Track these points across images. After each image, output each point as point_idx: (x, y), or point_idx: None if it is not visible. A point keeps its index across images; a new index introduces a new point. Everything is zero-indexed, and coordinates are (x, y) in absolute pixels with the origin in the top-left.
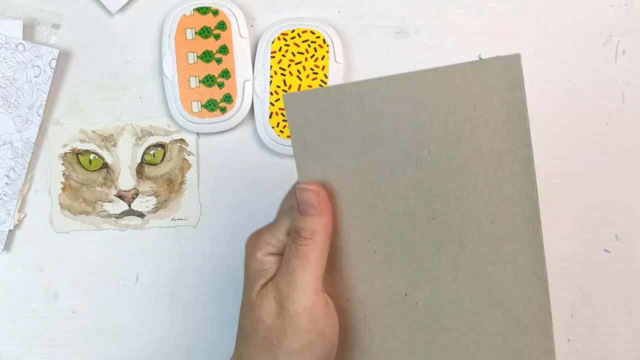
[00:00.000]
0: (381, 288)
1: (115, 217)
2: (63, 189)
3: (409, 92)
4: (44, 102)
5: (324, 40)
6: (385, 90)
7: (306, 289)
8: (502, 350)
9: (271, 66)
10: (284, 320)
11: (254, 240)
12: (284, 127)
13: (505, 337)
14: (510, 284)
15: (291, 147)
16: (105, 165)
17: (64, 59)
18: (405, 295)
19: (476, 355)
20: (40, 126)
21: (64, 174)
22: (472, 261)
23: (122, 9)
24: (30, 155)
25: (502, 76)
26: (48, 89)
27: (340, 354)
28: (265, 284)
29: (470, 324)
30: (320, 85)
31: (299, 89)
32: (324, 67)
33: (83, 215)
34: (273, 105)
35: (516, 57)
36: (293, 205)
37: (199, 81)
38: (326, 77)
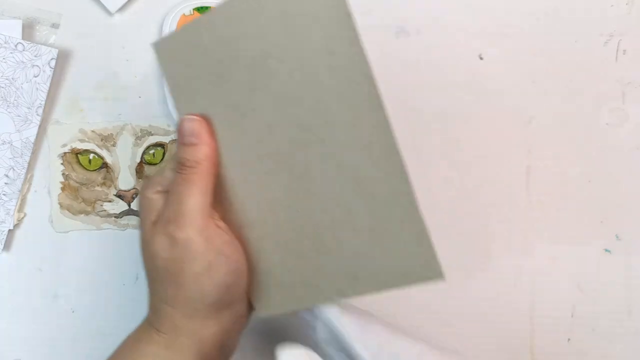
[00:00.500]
0: (264, 206)
1: (115, 217)
2: (63, 189)
3: (254, 10)
4: (44, 102)
5: None
6: (234, 13)
7: (193, 212)
8: (378, 233)
9: None
10: (177, 248)
11: (145, 182)
12: None
13: (378, 219)
14: (369, 164)
15: None
16: (104, 165)
17: (63, 58)
18: (288, 207)
19: (358, 245)
20: (39, 126)
21: (63, 174)
22: (333, 153)
23: (122, 8)
24: (29, 155)
25: None
26: (47, 88)
27: (249, 283)
28: (155, 221)
29: (345, 216)
30: None
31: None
32: None
33: (83, 215)
34: None
35: None
36: (177, 139)
37: None
38: None
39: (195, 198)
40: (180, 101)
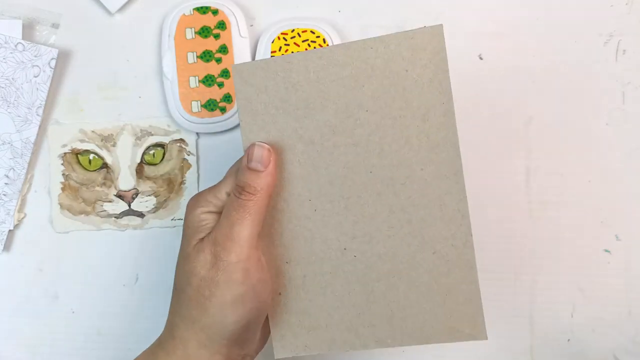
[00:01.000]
0: (321, 246)
1: (115, 217)
2: (63, 189)
3: (350, 59)
4: (44, 102)
5: (324, 39)
6: (329, 58)
7: (242, 241)
8: (433, 289)
9: None
10: (218, 271)
11: (195, 199)
12: None
13: (436, 276)
14: (439, 224)
15: None
16: (105, 165)
17: (63, 58)
18: (345, 249)
19: (410, 297)
20: (39, 126)
21: (63, 174)
22: (405, 207)
23: (122, 8)
24: (29, 155)
25: (428, 42)
26: (47, 88)
27: (277, 320)
28: (202, 238)
29: (404, 268)
30: None
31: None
32: None
33: (83, 215)
34: None
35: (439, 27)
36: (241, 163)
37: (199, 81)
38: None
39: (247, 226)
40: (249, 125)
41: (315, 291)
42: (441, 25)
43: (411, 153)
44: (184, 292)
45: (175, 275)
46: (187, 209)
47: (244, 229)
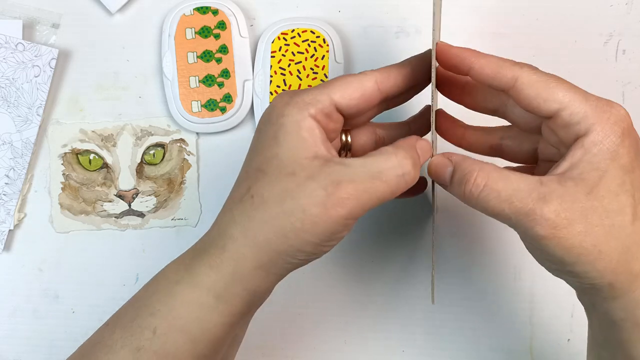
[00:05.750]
0: None
1: (115, 217)
2: (63, 189)
3: None
4: (44, 102)
5: (324, 39)
6: None
7: (365, 208)
8: None
9: (271, 66)
10: (323, 214)
11: (297, 98)
12: None
13: None
14: None
15: None
16: (105, 165)
17: (63, 58)
18: None
19: None
20: (40, 126)
21: (63, 174)
22: None
23: (122, 8)
24: (30, 155)
25: None
26: (48, 88)
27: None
28: (318, 161)
29: None
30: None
31: (299, 89)
32: (324, 66)
33: (83, 215)
34: None
35: None
36: (410, 139)
37: (199, 81)
38: (326, 77)
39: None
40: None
41: None
42: None
43: None
44: (266, 207)
45: (255, 183)
46: (285, 108)
47: (375, 201)
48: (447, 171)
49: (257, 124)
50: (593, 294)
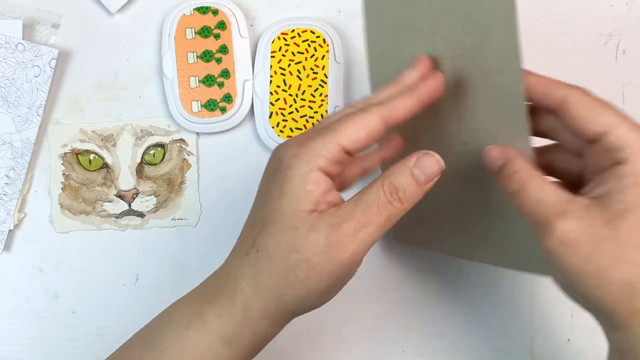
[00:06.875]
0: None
1: (115, 217)
2: (63, 189)
3: None
4: (44, 102)
5: (324, 40)
6: None
7: (365, 244)
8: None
9: (271, 66)
10: (327, 261)
11: (304, 150)
12: (284, 126)
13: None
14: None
15: None
16: (105, 165)
17: (63, 58)
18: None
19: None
20: (40, 126)
21: (63, 174)
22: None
23: (122, 8)
24: (30, 155)
25: None
26: (48, 88)
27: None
28: (312, 211)
29: (497, 211)
30: (320, 85)
31: (298, 89)
32: (324, 66)
33: (83, 215)
34: (273, 105)
35: None
36: (405, 163)
37: (199, 81)
38: (326, 77)
39: (377, 232)
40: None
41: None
42: None
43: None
44: (271, 261)
45: (260, 237)
46: (292, 160)
47: (374, 234)
48: (497, 164)
49: (263, 172)
50: (599, 320)
